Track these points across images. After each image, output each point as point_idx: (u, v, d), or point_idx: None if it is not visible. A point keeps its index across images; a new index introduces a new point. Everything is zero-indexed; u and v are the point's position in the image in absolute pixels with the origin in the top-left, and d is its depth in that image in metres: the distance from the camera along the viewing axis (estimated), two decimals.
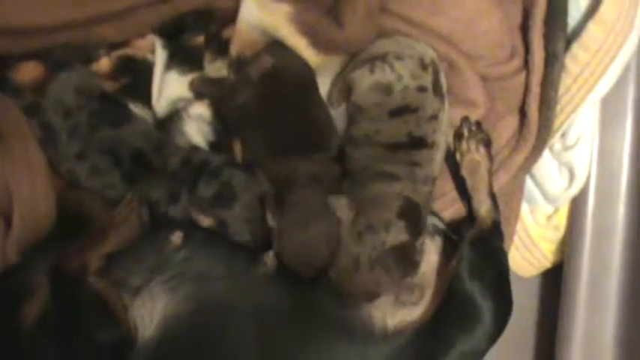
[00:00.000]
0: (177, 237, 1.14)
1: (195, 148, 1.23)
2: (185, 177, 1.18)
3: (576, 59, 1.23)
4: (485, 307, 1.16)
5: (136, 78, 1.27)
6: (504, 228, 1.29)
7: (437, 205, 1.30)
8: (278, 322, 1.14)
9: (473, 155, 1.27)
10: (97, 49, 1.26)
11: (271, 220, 1.12)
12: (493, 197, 1.27)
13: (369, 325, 1.16)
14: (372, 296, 1.12)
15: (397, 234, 1.12)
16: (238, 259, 1.17)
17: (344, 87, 1.24)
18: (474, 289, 1.16)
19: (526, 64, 1.27)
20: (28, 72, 1.23)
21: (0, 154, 1.17)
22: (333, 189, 1.20)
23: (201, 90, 1.24)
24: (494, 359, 1.21)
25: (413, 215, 1.15)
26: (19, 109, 1.17)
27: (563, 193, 1.35)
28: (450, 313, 1.17)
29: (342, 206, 1.15)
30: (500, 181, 1.31)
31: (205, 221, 1.16)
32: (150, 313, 1.11)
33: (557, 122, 1.28)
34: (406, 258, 1.13)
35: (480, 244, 1.21)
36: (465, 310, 1.17)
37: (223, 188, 1.16)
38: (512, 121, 1.32)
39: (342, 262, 1.11)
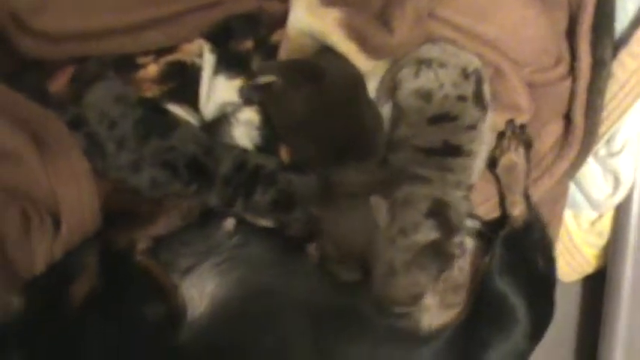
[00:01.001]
0: (229, 223, 1.17)
1: (245, 151, 1.23)
2: (240, 182, 1.18)
3: (624, 66, 1.24)
4: (519, 305, 1.18)
5: (184, 82, 1.27)
6: None
7: (480, 211, 1.30)
8: (326, 316, 1.16)
9: (511, 155, 1.27)
10: (142, 56, 1.26)
11: (318, 214, 1.14)
12: (527, 199, 1.27)
13: (414, 327, 1.18)
14: (416, 298, 1.13)
15: (427, 232, 1.13)
16: (289, 248, 1.19)
17: (391, 85, 1.25)
18: (505, 286, 1.18)
19: (572, 71, 1.29)
20: (63, 81, 1.24)
21: (44, 165, 1.18)
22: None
23: (250, 96, 1.24)
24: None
25: (442, 214, 1.16)
26: (63, 122, 1.18)
27: (608, 199, 1.37)
28: (484, 311, 1.18)
29: (380, 209, 1.16)
30: (544, 187, 1.32)
31: (263, 222, 1.17)
32: (200, 293, 1.13)
33: (602, 128, 1.29)
34: (440, 253, 1.14)
35: (512, 243, 1.22)
36: (498, 308, 1.18)
37: (282, 195, 1.16)
38: (556, 127, 1.33)
39: (378, 270, 1.13)
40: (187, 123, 1.24)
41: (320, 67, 1.23)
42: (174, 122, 1.22)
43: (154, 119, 1.20)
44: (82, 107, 1.18)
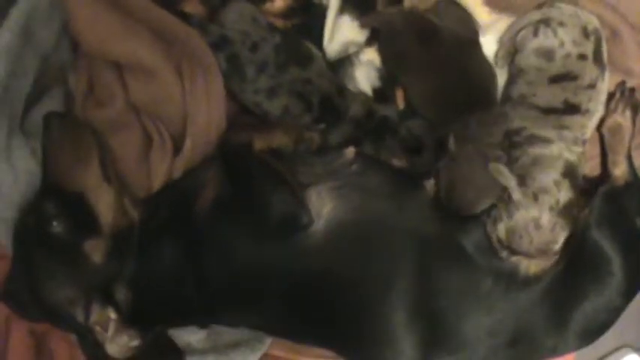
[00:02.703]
0: (350, 152, 1.21)
1: (370, 98, 1.28)
2: (369, 128, 1.24)
3: None
4: (614, 257, 1.21)
5: (309, 19, 1.31)
6: None
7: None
8: (432, 248, 1.20)
9: (617, 116, 1.30)
10: None
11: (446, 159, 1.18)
12: (630, 161, 1.30)
13: (514, 270, 1.21)
14: (546, 253, 1.17)
15: (566, 192, 1.17)
16: (403, 182, 1.23)
17: (511, 49, 1.28)
18: (603, 239, 1.21)
19: None
20: (194, 7, 1.28)
21: (181, 82, 1.24)
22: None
23: (371, 23, 1.28)
24: (619, 321, 1.25)
25: (573, 174, 1.19)
26: (205, 42, 1.22)
27: None
28: (580, 262, 1.21)
29: (503, 173, 1.18)
30: None
31: (396, 162, 1.22)
32: (318, 210, 1.17)
33: None
34: (571, 215, 1.17)
35: (612, 199, 1.25)
36: (595, 259, 1.21)
37: (411, 139, 1.22)
38: None
39: (520, 221, 1.16)
40: (320, 58, 1.27)
41: (433, 26, 1.27)
42: (311, 54, 1.26)
43: (292, 47, 1.24)
44: (224, 26, 1.22)
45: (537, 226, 1.15)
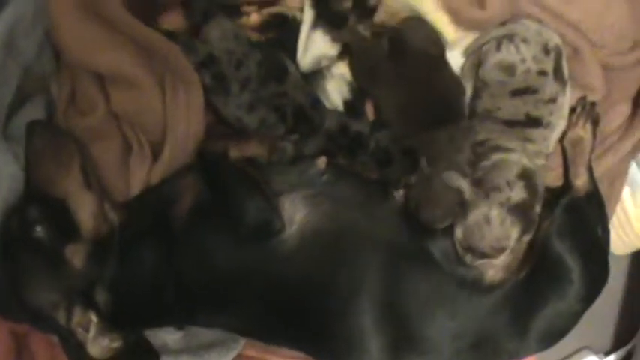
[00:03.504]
0: (322, 162, 1.26)
1: (344, 114, 1.34)
2: (343, 143, 1.28)
3: None
4: (574, 267, 1.26)
5: (283, 34, 1.35)
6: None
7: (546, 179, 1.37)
8: (401, 256, 1.25)
9: (578, 129, 1.36)
10: (246, 5, 1.34)
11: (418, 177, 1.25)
12: (591, 172, 1.36)
13: (478, 278, 1.27)
14: (500, 251, 1.22)
15: (518, 192, 1.22)
16: (373, 192, 1.28)
17: (476, 61, 1.33)
18: (563, 248, 1.26)
19: None
20: (174, 19, 1.32)
21: (162, 94, 1.28)
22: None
23: (347, 40, 1.32)
24: (579, 324, 1.30)
25: (529, 178, 1.24)
26: (194, 62, 1.26)
27: None
28: (542, 270, 1.26)
29: (456, 178, 1.24)
30: (607, 164, 1.41)
31: (370, 175, 1.28)
32: (291, 217, 1.22)
33: None
34: (526, 216, 1.23)
35: (572, 209, 1.30)
36: (555, 268, 1.26)
37: (379, 152, 1.27)
38: (624, 109, 1.41)
39: (471, 218, 1.21)
40: (295, 69, 1.32)
41: (401, 42, 1.32)
42: (286, 67, 1.30)
43: (272, 62, 1.29)
44: (208, 44, 1.26)
45: (487, 220, 1.20)
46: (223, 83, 1.26)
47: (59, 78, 1.34)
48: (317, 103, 1.30)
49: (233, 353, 1.39)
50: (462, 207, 1.22)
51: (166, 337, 1.36)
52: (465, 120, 1.32)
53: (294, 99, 1.27)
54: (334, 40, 1.33)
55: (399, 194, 1.26)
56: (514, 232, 1.21)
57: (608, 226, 1.37)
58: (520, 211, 1.21)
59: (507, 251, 1.22)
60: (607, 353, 1.81)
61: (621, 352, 1.78)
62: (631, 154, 1.42)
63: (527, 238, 1.25)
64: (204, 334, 1.39)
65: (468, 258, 1.23)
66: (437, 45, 1.34)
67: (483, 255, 1.22)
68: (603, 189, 1.39)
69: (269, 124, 1.27)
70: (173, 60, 1.24)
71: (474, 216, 1.21)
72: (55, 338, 1.26)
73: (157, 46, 1.23)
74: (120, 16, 1.21)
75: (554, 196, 1.32)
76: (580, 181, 1.35)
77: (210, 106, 1.29)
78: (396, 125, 1.32)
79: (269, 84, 1.26)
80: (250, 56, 1.27)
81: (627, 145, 1.40)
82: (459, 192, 1.22)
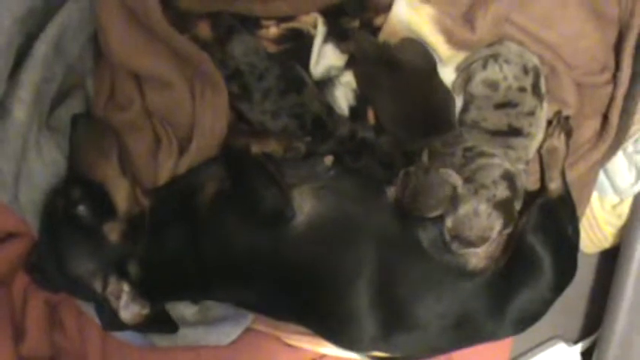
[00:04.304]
0: (329, 159, 1.40)
1: (354, 121, 1.48)
2: (351, 148, 1.43)
3: None
4: (545, 258, 1.37)
5: (298, 46, 1.50)
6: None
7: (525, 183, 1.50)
8: (392, 244, 1.36)
9: (554, 140, 1.48)
10: (266, 20, 1.49)
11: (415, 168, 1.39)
12: (564, 178, 1.48)
13: (463, 265, 1.40)
14: (484, 240, 1.36)
15: (503, 190, 1.36)
16: (370, 188, 1.42)
17: (465, 77, 1.48)
18: (537, 242, 1.37)
19: (614, 79, 1.51)
20: (203, 29, 1.47)
21: (192, 94, 1.43)
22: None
23: (357, 42, 1.47)
24: (551, 315, 1.40)
25: (511, 179, 1.38)
26: (223, 75, 1.41)
27: (630, 187, 1.60)
28: (518, 260, 1.37)
29: (452, 175, 1.39)
30: (578, 171, 1.54)
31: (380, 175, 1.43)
32: (300, 206, 1.34)
33: (632, 130, 1.50)
34: (508, 211, 1.37)
35: (546, 209, 1.42)
36: (530, 259, 1.37)
37: (382, 155, 1.43)
38: (595, 123, 1.54)
39: (462, 211, 1.35)
40: (312, 82, 1.46)
41: (397, 58, 1.46)
42: (305, 81, 1.45)
43: (290, 76, 1.44)
44: (234, 58, 1.42)
45: (476, 213, 1.33)
46: (248, 92, 1.41)
47: (98, 76, 1.48)
48: (331, 110, 1.44)
49: (243, 327, 1.53)
50: (454, 200, 1.35)
51: (184, 310, 1.50)
52: (456, 128, 1.46)
53: (311, 108, 1.42)
54: (342, 51, 1.48)
55: (391, 191, 1.40)
56: (497, 225, 1.34)
57: (578, 226, 1.50)
58: (503, 207, 1.35)
59: (490, 242, 1.36)
60: (576, 342, 1.90)
61: (588, 340, 1.87)
62: (600, 163, 1.55)
63: (507, 231, 1.38)
64: (216, 309, 1.53)
65: (455, 246, 1.36)
66: (429, 61, 1.48)
67: (469, 244, 1.35)
68: (575, 193, 1.51)
69: (290, 130, 1.41)
70: (202, 66, 1.38)
71: (464, 209, 1.34)
72: (82, 308, 1.42)
73: (189, 53, 1.38)
74: (160, 26, 1.35)
75: (531, 197, 1.44)
76: (554, 185, 1.48)
77: (234, 108, 1.44)
78: (393, 131, 1.46)
79: (289, 95, 1.41)
80: (270, 70, 1.42)
81: (597, 154, 1.52)
82: (452, 186, 1.35)
